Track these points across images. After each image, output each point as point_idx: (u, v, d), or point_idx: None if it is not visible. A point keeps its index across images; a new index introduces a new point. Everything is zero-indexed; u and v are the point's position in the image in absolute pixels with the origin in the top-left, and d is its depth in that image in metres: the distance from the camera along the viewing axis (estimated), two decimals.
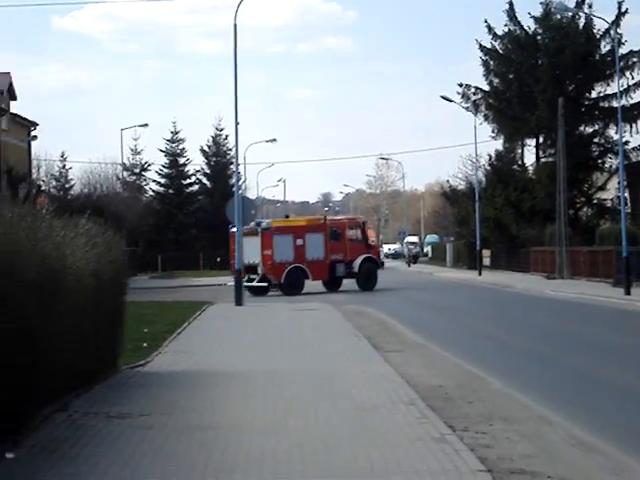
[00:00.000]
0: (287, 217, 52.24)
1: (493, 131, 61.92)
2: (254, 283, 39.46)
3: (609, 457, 9.03)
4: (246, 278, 38.08)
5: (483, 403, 11.91)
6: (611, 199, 57.71)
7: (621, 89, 49.35)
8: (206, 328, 22.35)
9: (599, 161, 59.23)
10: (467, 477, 7.77)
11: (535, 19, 59.89)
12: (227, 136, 74.78)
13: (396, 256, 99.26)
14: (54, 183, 61.67)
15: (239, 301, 30.35)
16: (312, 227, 41.48)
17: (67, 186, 63.26)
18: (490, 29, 60.72)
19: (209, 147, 75.47)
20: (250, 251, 38.25)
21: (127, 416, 10.54)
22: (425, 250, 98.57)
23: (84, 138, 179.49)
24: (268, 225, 40.92)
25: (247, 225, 38.08)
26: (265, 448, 8.90)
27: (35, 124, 47.38)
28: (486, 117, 61.20)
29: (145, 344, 17.73)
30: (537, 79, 57.91)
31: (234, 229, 39.11)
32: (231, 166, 71.85)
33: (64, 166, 64.53)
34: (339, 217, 48.88)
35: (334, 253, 41.28)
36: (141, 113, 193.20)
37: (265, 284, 39.91)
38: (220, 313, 27.31)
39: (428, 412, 10.75)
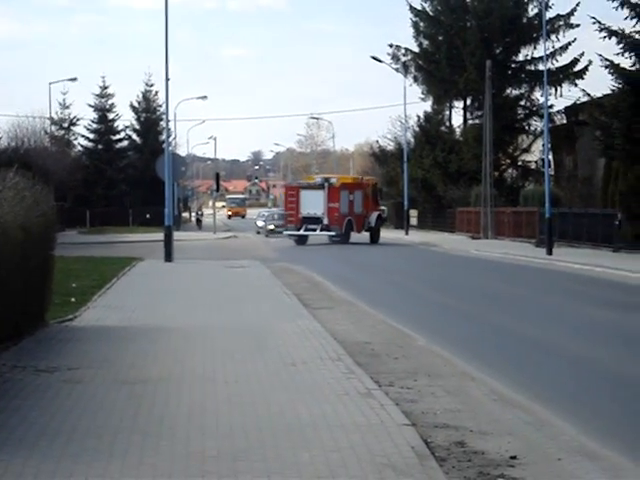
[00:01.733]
0: (218, 175, 53.56)
1: (422, 92, 62.30)
2: (317, 232, 44.94)
3: (530, 412, 9.27)
4: (303, 228, 44.61)
5: (408, 359, 12.12)
6: (535, 161, 58.66)
7: (547, 52, 49.91)
8: (135, 284, 22.24)
9: (524, 124, 59.99)
10: (392, 431, 7.92)
11: None
12: (157, 92, 73.71)
13: None
14: None
15: (169, 257, 30.21)
16: (357, 185, 47.45)
17: None
18: None
19: (139, 103, 74.38)
20: (311, 203, 44.48)
21: (55, 370, 10.50)
22: None
23: (11, 91, 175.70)
24: (337, 181, 46.39)
25: (297, 182, 47.37)
26: (194, 402, 8.96)
27: None
28: (415, 78, 61.50)
29: (73, 299, 17.58)
30: (466, 42, 58.29)
31: (293, 183, 47.37)
32: (161, 122, 70.89)
33: None
34: (362, 177, 53.41)
35: (365, 209, 46.95)
36: (70, 67, 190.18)
37: (331, 233, 45.05)
38: (150, 269, 27.16)
39: (355, 368, 10.90)
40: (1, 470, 6.69)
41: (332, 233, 45.26)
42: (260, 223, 63.62)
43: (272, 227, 58.38)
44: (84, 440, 7.52)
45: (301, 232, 45.26)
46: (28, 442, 7.45)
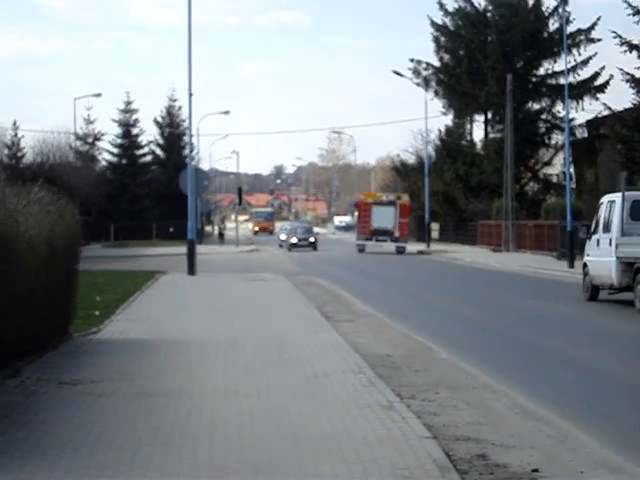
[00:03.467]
0: (240, 189, 55.26)
1: (443, 106, 62.32)
2: (388, 242, 52.05)
3: (552, 425, 9.22)
4: (374, 239, 52.03)
5: (430, 372, 12.09)
6: (557, 174, 58.51)
7: (568, 66, 49.82)
8: (158, 297, 22.31)
9: (545, 137, 59.86)
10: (414, 443, 7.89)
11: None
12: (180, 107, 74.24)
13: (347, 228, 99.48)
14: (6, 152, 60.64)
15: (192, 271, 30.31)
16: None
17: (19, 155, 62.24)
18: (441, 5, 61.14)
19: (162, 118, 74.88)
20: (382, 218, 51.44)
21: (78, 383, 10.53)
22: None
23: (37, 107, 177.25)
24: (407, 199, 54.18)
25: (380, 197, 53.95)
26: (216, 415, 8.98)
27: None
28: (436, 93, 61.54)
29: (97, 312, 17.66)
30: (486, 56, 58.25)
31: (360, 198, 54.64)
32: (184, 137, 71.17)
33: (16, 134, 63.31)
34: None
35: None
36: (94, 83, 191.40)
37: (402, 245, 51.86)
38: (173, 282, 27.24)
39: (376, 380, 10.89)
40: None
41: (402, 245, 51.84)
42: (283, 236, 63.66)
43: (295, 241, 58.03)
44: (107, 453, 7.53)
45: (372, 242, 52.28)
46: (52, 455, 7.48)
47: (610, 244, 21.48)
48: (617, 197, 21.87)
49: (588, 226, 23.55)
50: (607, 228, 21.84)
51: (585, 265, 23.03)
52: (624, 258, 20.84)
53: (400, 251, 51.59)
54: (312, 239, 58.07)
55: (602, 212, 22.37)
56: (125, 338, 14.66)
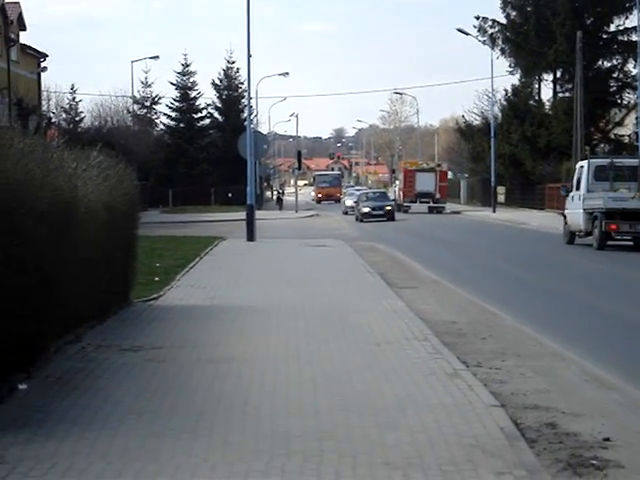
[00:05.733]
0: (299, 153, 56.05)
1: (510, 65, 61.28)
2: (431, 204, 59.85)
3: (623, 393, 9.00)
4: (418, 201, 59.87)
5: (496, 339, 11.89)
6: (629, 135, 57.13)
7: None
8: (218, 263, 22.34)
9: (617, 96, 58.57)
10: (480, 412, 7.75)
11: None
12: (239, 69, 73.90)
13: None
14: (64, 115, 61.03)
15: (251, 236, 30.29)
16: None
17: (77, 119, 62.54)
18: None
19: (220, 80, 74.54)
20: (424, 183, 59.59)
21: (139, 349, 10.53)
22: None
23: (94, 70, 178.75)
24: (446, 167, 64.72)
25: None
26: (278, 381, 8.90)
27: (45, 55, 46.80)
28: (503, 51, 60.46)
29: (157, 278, 17.72)
30: (555, 12, 57.06)
31: (409, 167, 62.36)
32: (243, 100, 70.98)
33: (74, 98, 63.46)
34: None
35: None
36: (152, 45, 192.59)
37: (441, 205, 59.95)
38: (232, 248, 27.29)
39: (441, 348, 10.72)
40: (87, 449, 6.69)
41: (442, 205, 59.68)
42: (349, 202, 58.11)
43: (367, 210, 48.92)
44: (169, 419, 7.50)
45: (417, 204, 59.68)
46: (113, 421, 7.46)
47: (579, 199, 28.20)
48: (585, 163, 28.81)
49: (566, 186, 31.10)
50: (578, 187, 28.73)
51: (565, 216, 30.05)
52: (588, 209, 27.42)
53: (440, 211, 58.78)
54: (388, 207, 49.72)
55: (576, 174, 29.24)
56: (186, 304, 14.64)
